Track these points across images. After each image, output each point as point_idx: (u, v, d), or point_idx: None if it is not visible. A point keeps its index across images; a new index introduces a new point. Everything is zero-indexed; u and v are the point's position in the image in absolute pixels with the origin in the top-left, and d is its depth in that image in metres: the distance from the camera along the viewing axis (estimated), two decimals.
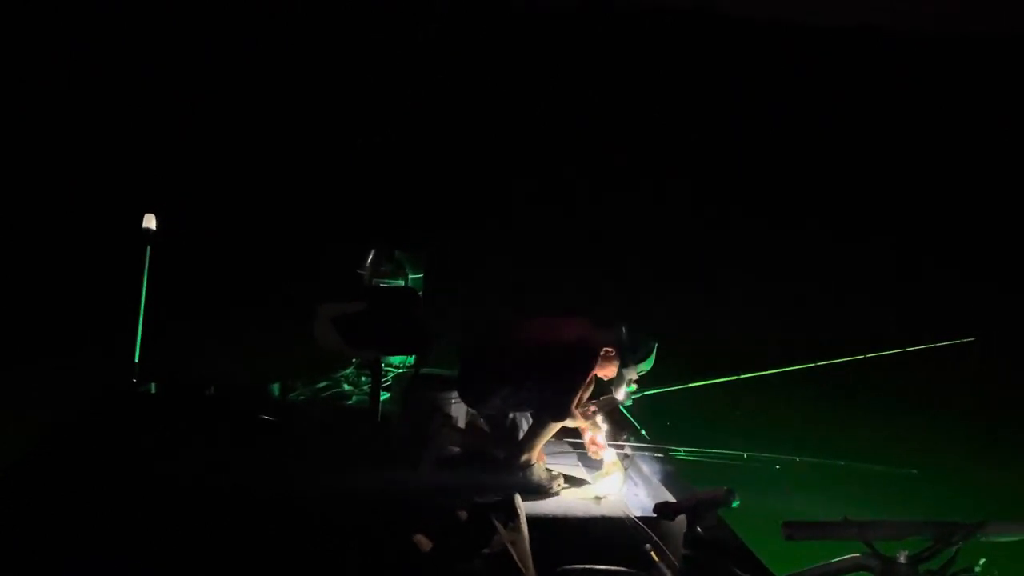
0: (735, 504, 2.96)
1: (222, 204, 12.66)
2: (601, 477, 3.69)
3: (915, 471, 4.14)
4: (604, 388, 3.92)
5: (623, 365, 3.73)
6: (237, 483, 3.40)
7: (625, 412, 4.18)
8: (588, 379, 3.70)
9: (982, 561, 1.63)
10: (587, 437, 3.81)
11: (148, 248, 4.22)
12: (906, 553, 1.67)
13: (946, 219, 15.52)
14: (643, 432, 4.18)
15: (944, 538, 1.66)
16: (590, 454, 3.83)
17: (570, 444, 4.16)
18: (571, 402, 3.60)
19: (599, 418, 3.84)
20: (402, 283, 4.99)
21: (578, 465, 3.95)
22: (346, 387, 5.02)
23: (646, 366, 3.78)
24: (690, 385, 4.40)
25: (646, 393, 4.12)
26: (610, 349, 3.71)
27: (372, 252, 5.09)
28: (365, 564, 2.94)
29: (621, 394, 3.84)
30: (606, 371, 3.78)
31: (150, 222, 4.28)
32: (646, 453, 3.98)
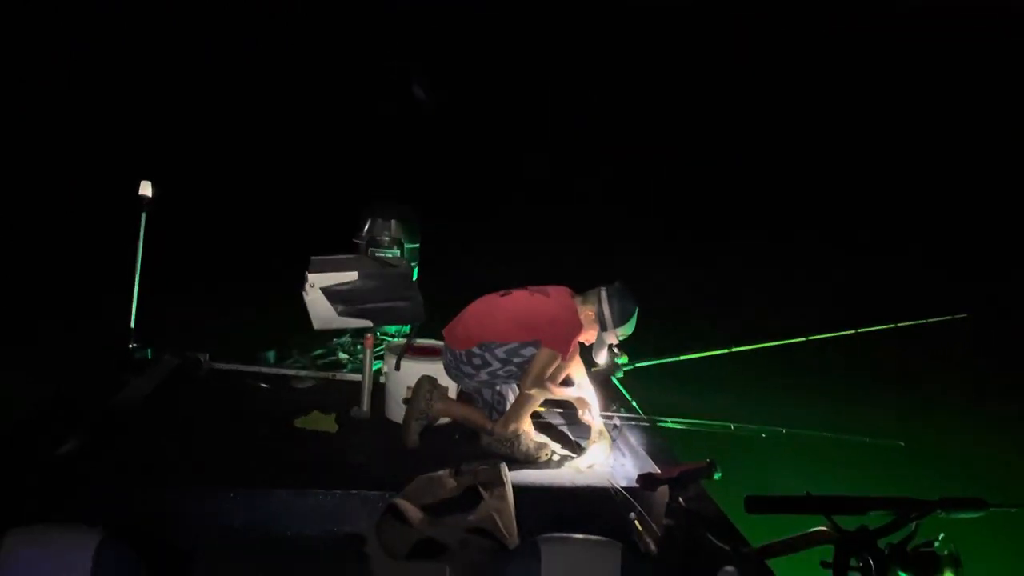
0: (717, 476, 3.03)
1: (216, 170, 12.63)
2: (589, 447, 3.74)
3: (902, 443, 4.18)
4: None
5: (603, 329, 3.71)
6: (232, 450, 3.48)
7: (616, 383, 4.22)
8: (571, 348, 3.72)
9: (941, 536, 1.68)
10: (580, 406, 3.85)
11: (144, 215, 4.24)
12: (867, 528, 1.72)
13: (942, 205, 15.43)
14: (633, 403, 4.22)
15: (903, 514, 1.71)
16: (583, 420, 3.87)
17: (560, 415, 4.22)
18: (549, 372, 3.60)
19: (591, 388, 3.88)
20: (398, 252, 5.01)
21: (567, 435, 4.01)
22: (342, 355, 5.07)
23: (627, 331, 3.74)
24: (681, 358, 4.43)
25: (637, 366, 4.16)
26: (590, 313, 3.72)
27: (369, 220, 5.11)
28: (352, 532, 3.00)
29: (602, 358, 3.80)
30: (587, 335, 3.77)
31: (146, 189, 4.29)
32: (634, 423, 4.03)
